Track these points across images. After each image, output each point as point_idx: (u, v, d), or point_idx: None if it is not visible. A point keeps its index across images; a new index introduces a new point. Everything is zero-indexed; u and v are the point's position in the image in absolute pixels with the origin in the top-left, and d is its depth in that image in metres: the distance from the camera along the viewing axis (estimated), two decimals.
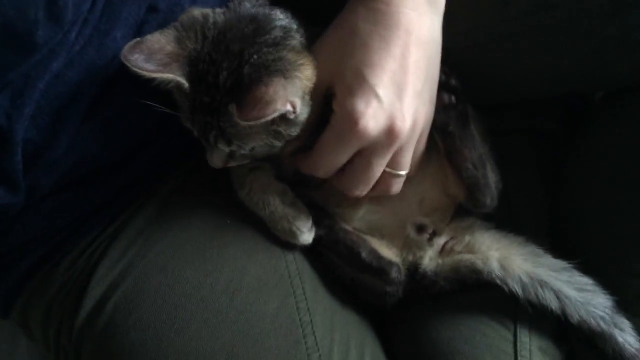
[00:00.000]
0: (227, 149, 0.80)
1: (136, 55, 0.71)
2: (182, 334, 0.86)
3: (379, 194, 0.86)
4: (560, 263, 0.94)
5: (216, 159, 0.82)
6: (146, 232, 0.93)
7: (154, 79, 0.73)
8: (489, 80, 0.98)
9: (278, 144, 0.80)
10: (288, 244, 0.95)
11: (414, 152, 0.83)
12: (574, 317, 0.90)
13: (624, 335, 0.89)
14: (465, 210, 0.99)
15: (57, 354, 0.94)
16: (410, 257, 0.99)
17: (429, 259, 0.98)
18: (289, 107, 0.71)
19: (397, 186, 0.88)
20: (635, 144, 0.96)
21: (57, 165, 0.85)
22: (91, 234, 0.93)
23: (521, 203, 1.05)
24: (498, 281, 0.92)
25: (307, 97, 0.76)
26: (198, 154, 0.99)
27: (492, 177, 0.94)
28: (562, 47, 0.92)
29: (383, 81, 0.73)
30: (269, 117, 0.70)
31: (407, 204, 1.00)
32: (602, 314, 0.90)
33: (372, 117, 0.73)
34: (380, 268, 0.95)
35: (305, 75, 0.75)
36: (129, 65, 0.71)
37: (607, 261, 0.97)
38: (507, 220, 1.02)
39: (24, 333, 0.98)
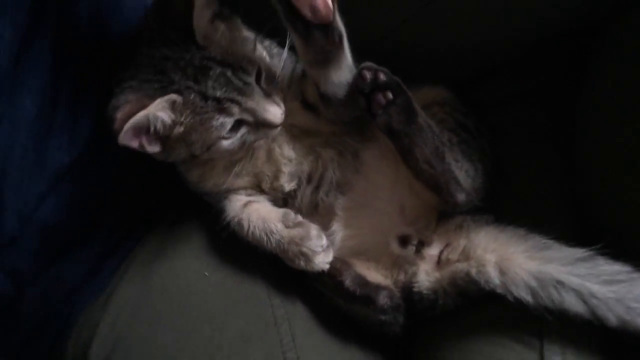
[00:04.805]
0: (252, 76, 0.74)
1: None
2: None
3: None
4: (576, 252, 0.68)
5: (263, 101, 0.74)
6: (132, 299, 0.86)
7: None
8: (453, 48, 0.79)
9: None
10: (279, 284, 0.84)
11: None
12: (610, 319, 0.64)
13: None
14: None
15: None
16: (403, 277, 0.80)
17: (425, 274, 0.78)
18: None
19: None
20: None
21: (22, 244, 0.83)
22: (86, 308, 0.89)
23: (530, 179, 0.80)
24: (499, 290, 0.70)
25: None
26: (167, 213, 0.95)
27: (460, 168, 0.73)
28: None
29: None
30: None
31: (388, 217, 0.81)
32: None
33: None
34: (365, 296, 0.77)
35: None
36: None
37: None
38: (516, 205, 0.78)
39: None
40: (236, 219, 0.81)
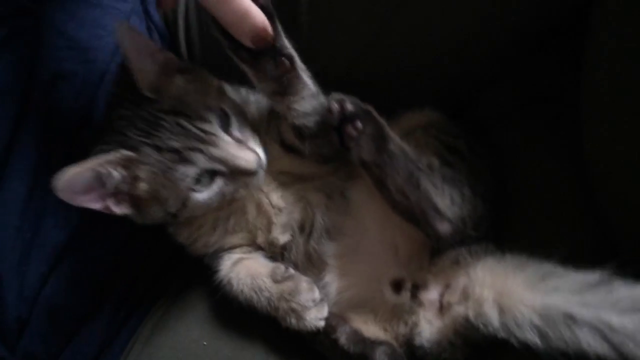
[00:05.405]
0: (215, 121, 0.70)
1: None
2: None
3: None
4: (587, 276, 0.54)
5: (233, 148, 0.70)
6: None
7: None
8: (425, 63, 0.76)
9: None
10: (281, 349, 0.78)
11: None
12: None
13: None
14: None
15: None
16: (403, 329, 0.69)
17: (427, 323, 0.67)
18: None
19: None
20: None
21: (32, 327, 0.83)
22: None
23: (537, 198, 0.68)
24: (502, 334, 0.57)
25: None
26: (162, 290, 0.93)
27: (440, 195, 0.63)
28: None
29: None
30: None
31: (381, 261, 0.72)
32: None
33: None
34: (360, 355, 0.67)
35: None
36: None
37: None
38: (523, 229, 0.66)
39: None
40: (226, 278, 0.77)
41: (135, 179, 0.68)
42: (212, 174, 0.70)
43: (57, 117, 0.85)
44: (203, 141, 0.68)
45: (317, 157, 0.77)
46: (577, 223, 0.66)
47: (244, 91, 0.81)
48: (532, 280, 0.57)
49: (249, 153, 0.71)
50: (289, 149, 0.78)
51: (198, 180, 0.69)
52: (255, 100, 0.81)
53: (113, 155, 0.66)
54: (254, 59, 0.66)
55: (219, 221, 0.79)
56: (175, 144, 0.67)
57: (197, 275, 0.90)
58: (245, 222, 0.79)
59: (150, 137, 0.67)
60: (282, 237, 0.78)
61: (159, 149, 0.67)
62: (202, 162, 0.68)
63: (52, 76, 0.84)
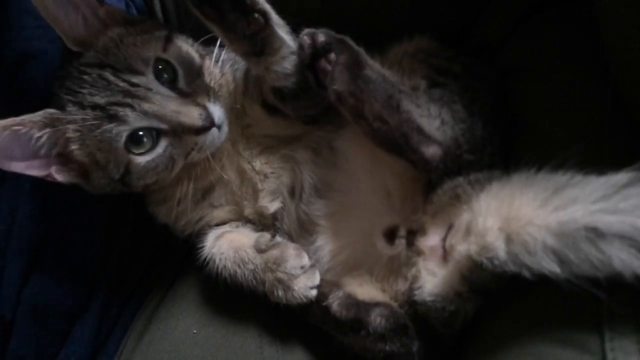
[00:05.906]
0: (151, 74, 0.64)
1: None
2: None
3: None
4: (612, 179, 0.42)
5: (171, 103, 0.63)
6: None
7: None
8: None
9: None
10: (276, 330, 0.71)
11: None
12: None
13: None
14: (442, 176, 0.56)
15: None
16: (402, 285, 0.58)
17: (429, 274, 0.56)
18: None
19: None
20: None
21: (19, 328, 0.78)
22: None
23: (558, 104, 0.58)
24: (511, 268, 0.45)
25: None
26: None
27: (426, 116, 0.54)
28: None
29: None
30: None
31: (374, 211, 0.63)
32: None
33: None
34: (353, 320, 0.57)
35: None
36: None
37: None
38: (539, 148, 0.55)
39: None
40: (209, 255, 0.69)
41: (67, 140, 0.63)
42: (157, 134, 0.63)
43: (27, 98, 0.80)
44: (132, 95, 0.62)
45: (303, 119, 0.69)
46: (597, 125, 0.54)
47: (217, 49, 0.73)
48: (544, 196, 0.45)
49: (193, 108, 0.63)
50: (271, 110, 0.69)
51: (136, 141, 0.63)
52: (230, 58, 0.73)
53: (35, 114, 0.61)
54: (220, 15, 0.57)
55: (199, 194, 0.71)
56: (97, 99, 0.61)
57: (190, 263, 0.82)
58: (231, 193, 0.72)
59: (74, 94, 0.62)
60: (272, 205, 0.70)
61: (82, 105, 0.61)
62: (133, 119, 0.61)
63: (19, 57, 0.79)
